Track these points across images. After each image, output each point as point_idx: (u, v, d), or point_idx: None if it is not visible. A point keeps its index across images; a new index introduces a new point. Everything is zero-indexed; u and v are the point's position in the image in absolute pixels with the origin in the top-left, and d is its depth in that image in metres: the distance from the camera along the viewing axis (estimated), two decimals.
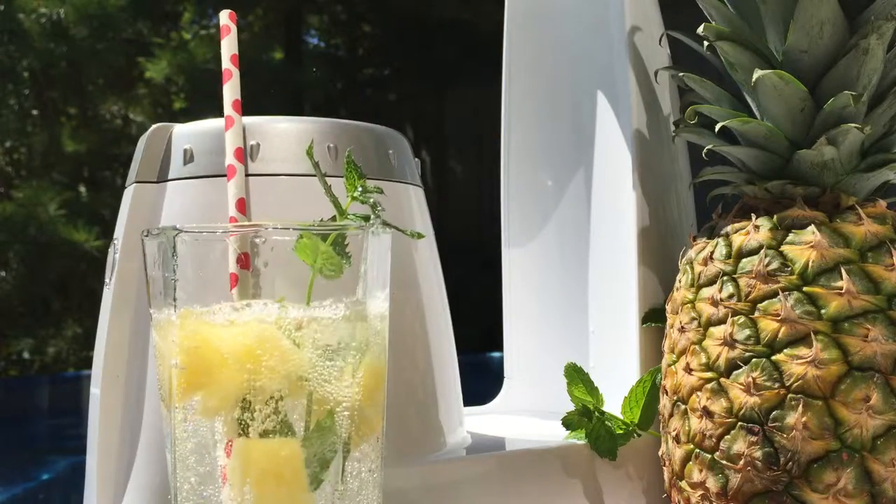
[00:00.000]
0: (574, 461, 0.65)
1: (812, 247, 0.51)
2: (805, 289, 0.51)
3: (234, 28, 0.55)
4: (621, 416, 0.65)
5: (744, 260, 0.53)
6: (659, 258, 0.69)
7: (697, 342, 0.54)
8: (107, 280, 0.61)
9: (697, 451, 0.53)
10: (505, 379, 0.84)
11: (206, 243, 0.44)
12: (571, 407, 0.65)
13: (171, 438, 0.44)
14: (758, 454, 0.50)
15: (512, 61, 0.83)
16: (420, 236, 0.53)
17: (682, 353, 0.55)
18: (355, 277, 0.44)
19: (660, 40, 0.71)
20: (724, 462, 0.51)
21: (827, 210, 0.54)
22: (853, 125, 0.52)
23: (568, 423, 0.64)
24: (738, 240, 0.54)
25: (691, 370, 0.54)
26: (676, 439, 0.55)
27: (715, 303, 0.53)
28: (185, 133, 0.60)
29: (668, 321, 0.58)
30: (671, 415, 0.56)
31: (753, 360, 0.51)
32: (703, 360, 0.53)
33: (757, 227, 0.54)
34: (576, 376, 0.65)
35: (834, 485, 0.49)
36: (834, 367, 0.49)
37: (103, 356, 0.58)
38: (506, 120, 0.84)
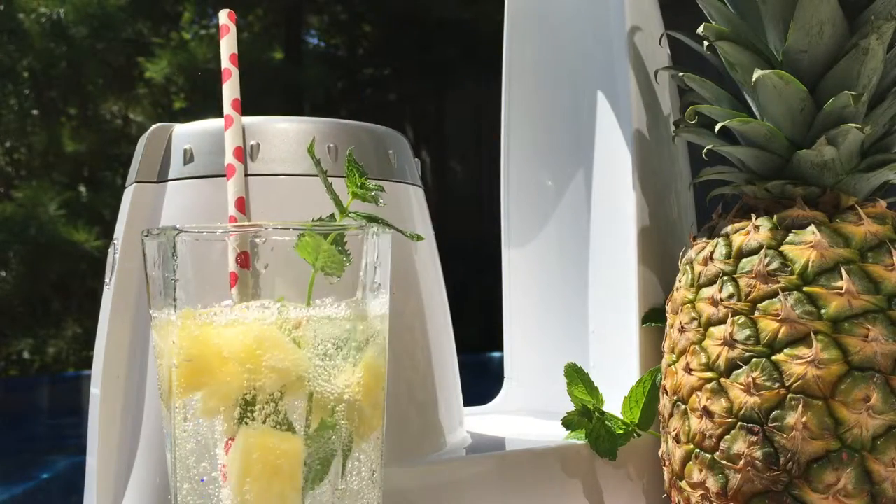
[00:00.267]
0: (574, 461, 0.65)
1: (812, 247, 0.51)
2: (805, 289, 0.51)
3: (233, 27, 0.55)
4: (621, 416, 0.65)
5: (744, 260, 0.53)
6: (659, 258, 0.69)
7: (697, 342, 0.54)
8: (107, 280, 0.61)
9: (697, 451, 0.53)
10: (505, 379, 0.84)
11: (206, 243, 0.44)
12: (571, 407, 0.65)
13: (171, 438, 0.44)
14: (758, 454, 0.50)
15: (512, 61, 0.83)
16: (420, 238, 0.53)
17: (682, 353, 0.55)
18: (355, 277, 0.44)
19: (660, 40, 0.71)
20: (724, 462, 0.51)
21: (827, 210, 0.54)
22: (853, 125, 0.52)
23: (568, 423, 0.64)
24: (738, 240, 0.54)
25: (691, 370, 0.54)
26: (676, 439, 0.55)
27: (715, 303, 0.53)
28: (185, 133, 0.60)
29: (668, 321, 0.58)
30: (671, 415, 0.56)
31: (753, 360, 0.51)
32: (703, 360, 0.53)
33: (757, 227, 0.54)
34: (576, 376, 0.65)
35: (834, 485, 0.49)
36: (834, 367, 0.49)
37: (103, 356, 0.58)
38: (506, 120, 0.84)
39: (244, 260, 0.44)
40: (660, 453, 0.59)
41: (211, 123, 0.59)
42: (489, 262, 0.92)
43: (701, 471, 0.53)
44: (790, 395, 0.49)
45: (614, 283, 0.71)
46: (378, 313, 0.45)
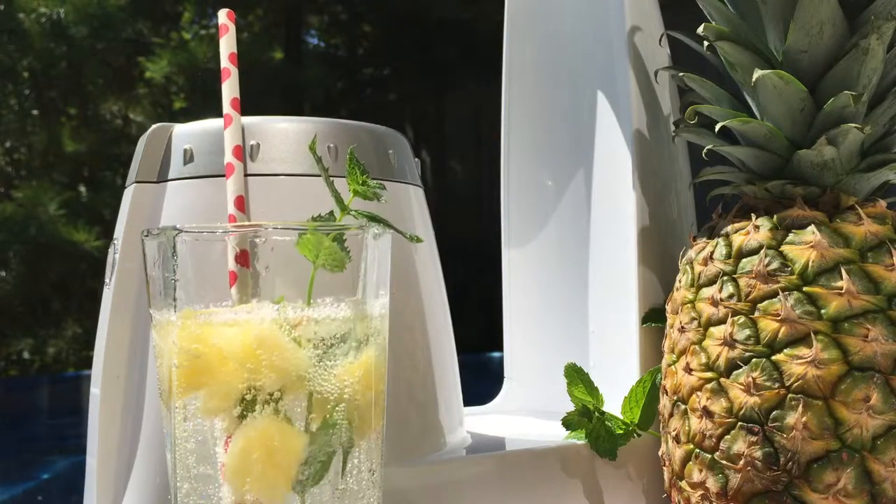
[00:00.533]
0: (574, 461, 0.65)
1: (812, 247, 0.51)
2: (805, 289, 0.51)
3: (232, 27, 0.55)
4: (621, 416, 0.65)
5: (744, 260, 0.53)
6: (659, 258, 0.69)
7: (697, 342, 0.54)
8: (107, 280, 0.61)
9: (697, 451, 0.53)
10: (505, 379, 0.84)
11: (206, 243, 0.44)
12: (571, 407, 0.65)
13: (171, 438, 0.44)
14: (758, 454, 0.50)
15: (512, 61, 0.83)
16: (419, 240, 0.53)
17: (682, 353, 0.55)
18: (355, 277, 0.44)
19: (660, 40, 0.71)
20: (724, 462, 0.51)
21: (827, 210, 0.54)
22: (853, 125, 0.52)
23: (568, 423, 0.64)
24: (738, 240, 0.54)
25: (691, 370, 0.54)
26: (676, 439, 0.55)
27: (715, 303, 0.53)
28: (185, 133, 0.60)
29: (668, 321, 0.58)
30: (671, 415, 0.56)
31: (753, 360, 0.51)
32: (703, 360, 0.53)
33: (757, 227, 0.54)
34: (576, 376, 0.64)
35: (834, 485, 0.49)
36: (834, 367, 0.49)
37: (103, 356, 0.58)
38: (506, 120, 0.84)
39: (243, 258, 0.44)
40: (660, 453, 0.59)
41: (211, 123, 0.59)
42: (489, 262, 0.92)
43: (701, 471, 0.53)
44: (790, 395, 0.49)
45: (614, 283, 0.71)
46: (378, 313, 0.45)
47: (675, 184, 0.73)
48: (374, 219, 0.47)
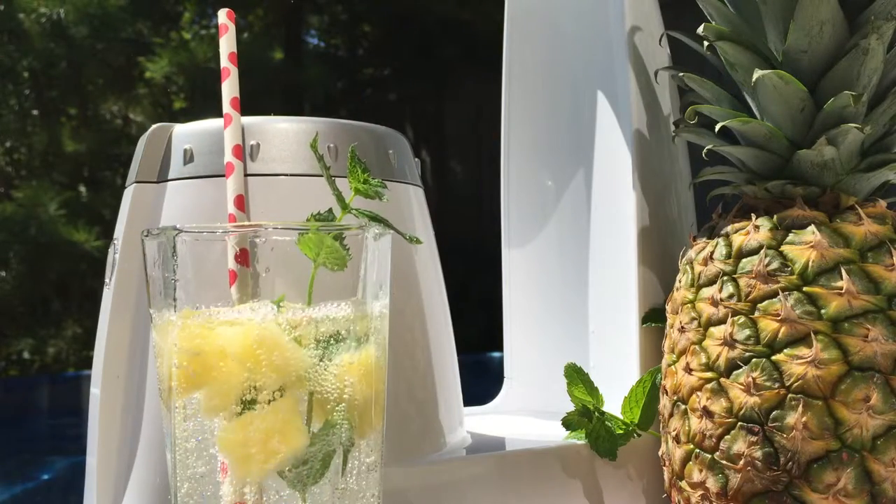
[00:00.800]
0: (574, 461, 0.65)
1: (812, 247, 0.51)
2: (805, 289, 0.51)
3: (232, 26, 0.55)
4: (621, 416, 0.65)
5: (744, 260, 0.53)
6: (659, 258, 0.69)
7: (697, 342, 0.54)
8: (107, 280, 0.61)
9: (697, 451, 0.53)
10: (505, 379, 0.84)
11: (206, 243, 0.44)
12: (571, 407, 0.65)
13: (171, 438, 0.44)
14: (758, 454, 0.50)
15: (512, 61, 0.83)
16: (419, 242, 0.53)
17: (682, 353, 0.55)
18: (355, 277, 0.44)
19: (660, 40, 0.71)
20: (724, 462, 0.51)
21: (827, 210, 0.54)
22: (853, 125, 0.52)
23: (568, 423, 0.64)
24: (738, 240, 0.54)
25: (691, 370, 0.54)
26: (676, 439, 0.55)
27: (715, 303, 0.53)
28: (185, 133, 0.60)
29: (668, 321, 0.58)
30: (671, 415, 0.56)
31: (753, 360, 0.51)
32: (703, 360, 0.53)
33: (757, 227, 0.54)
34: (576, 376, 0.64)
35: (834, 485, 0.49)
36: (834, 367, 0.49)
37: (103, 356, 0.59)
38: (506, 120, 0.84)
39: (243, 257, 0.44)
40: (660, 453, 0.59)
41: (211, 123, 0.59)
42: (489, 262, 0.92)
43: (701, 471, 0.53)
44: (790, 395, 0.49)
45: (614, 283, 0.71)
46: (378, 313, 0.45)
47: (675, 184, 0.73)
48: (374, 218, 0.47)
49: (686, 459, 0.54)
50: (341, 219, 0.47)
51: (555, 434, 0.66)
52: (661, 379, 0.59)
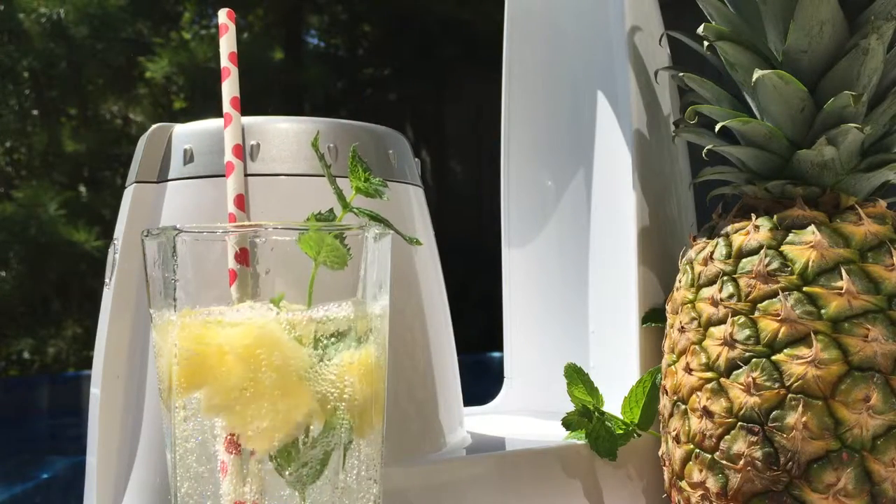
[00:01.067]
0: (574, 461, 0.65)
1: (812, 247, 0.51)
2: (805, 289, 0.51)
3: (232, 26, 0.55)
4: (621, 416, 0.65)
5: (744, 260, 0.53)
6: (659, 258, 0.69)
7: (697, 342, 0.54)
8: (107, 280, 0.61)
9: (697, 451, 0.53)
10: (505, 379, 0.84)
11: (206, 243, 0.44)
12: (571, 407, 0.65)
13: (170, 438, 0.44)
14: (758, 454, 0.50)
15: (512, 61, 0.83)
16: (418, 243, 0.53)
17: (682, 353, 0.55)
18: (356, 277, 0.44)
19: (660, 40, 0.71)
20: (724, 462, 0.51)
21: (827, 210, 0.54)
22: (853, 125, 0.52)
23: (568, 423, 0.64)
24: (738, 240, 0.54)
25: (691, 370, 0.54)
26: (676, 439, 0.55)
27: (715, 303, 0.53)
28: (185, 133, 0.60)
29: (668, 321, 0.58)
30: (671, 415, 0.56)
31: (753, 360, 0.51)
32: (703, 360, 0.53)
33: (757, 227, 0.54)
34: (576, 377, 0.64)
35: (834, 485, 0.48)
36: (834, 367, 0.49)
37: (103, 356, 0.58)
38: (506, 120, 0.84)
39: (243, 257, 0.44)
40: (660, 453, 0.59)
41: (211, 123, 0.59)
42: (489, 262, 0.92)
43: (701, 471, 0.53)
44: (790, 395, 0.49)
45: (614, 283, 0.71)
46: (378, 313, 0.45)
47: (675, 184, 0.73)
48: (374, 217, 0.47)
49: (686, 459, 0.54)
50: (341, 218, 0.47)
51: (555, 434, 0.66)
52: (661, 379, 0.59)
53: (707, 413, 0.52)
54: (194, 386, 0.42)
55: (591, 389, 0.64)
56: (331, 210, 0.47)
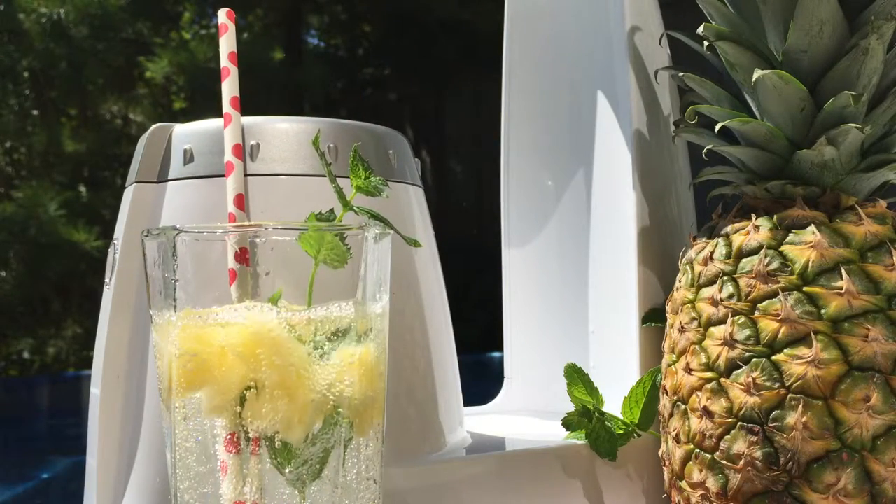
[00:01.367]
0: (574, 461, 0.65)
1: (812, 247, 0.51)
2: (805, 289, 0.51)
3: (231, 26, 0.55)
4: (621, 417, 0.65)
5: (744, 260, 0.53)
6: (659, 258, 0.69)
7: (697, 342, 0.54)
8: (107, 280, 0.61)
9: (697, 451, 0.53)
10: (505, 379, 0.84)
11: (206, 243, 0.44)
12: (571, 407, 0.65)
13: (170, 438, 0.44)
14: (758, 454, 0.50)
15: (512, 61, 0.83)
16: (418, 245, 0.53)
17: (682, 353, 0.55)
18: (356, 276, 0.44)
19: (660, 40, 0.71)
20: (724, 462, 0.51)
21: (827, 210, 0.54)
22: (853, 125, 0.52)
23: (568, 423, 0.64)
24: (738, 240, 0.54)
25: (691, 370, 0.54)
26: (676, 439, 0.55)
27: (715, 303, 0.53)
28: (185, 133, 0.60)
29: (668, 321, 0.58)
30: (671, 415, 0.56)
31: (753, 360, 0.51)
32: (703, 360, 0.53)
33: (757, 227, 0.54)
34: (576, 377, 0.64)
35: (834, 485, 0.48)
36: (834, 367, 0.49)
37: (103, 356, 0.58)
38: (506, 120, 0.84)
39: (243, 256, 0.44)
40: (660, 453, 0.59)
41: (211, 123, 0.59)
42: (489, 262, 0.92)
43: (701, 471, 0.53)
44: (790, 395, 0.49)
45: (614, 283, 0.71)
46: (378, 312, 0.45)
47: (675, 184, 0.73)
48: (375, 216, 0.47)
49: (686, 459, 0.54)
50: (342, 217, 0.47)
51: (555, 434, 0.66)
52: (661, 379, 0.59)
53: (707, 413, 0.52)
54: (194, 386, 0.42)
55: (591, 389, 0.64)
56: (331, 210, 0.47)
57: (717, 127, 0.55)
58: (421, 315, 0.63)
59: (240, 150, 0.54)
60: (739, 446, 0.50)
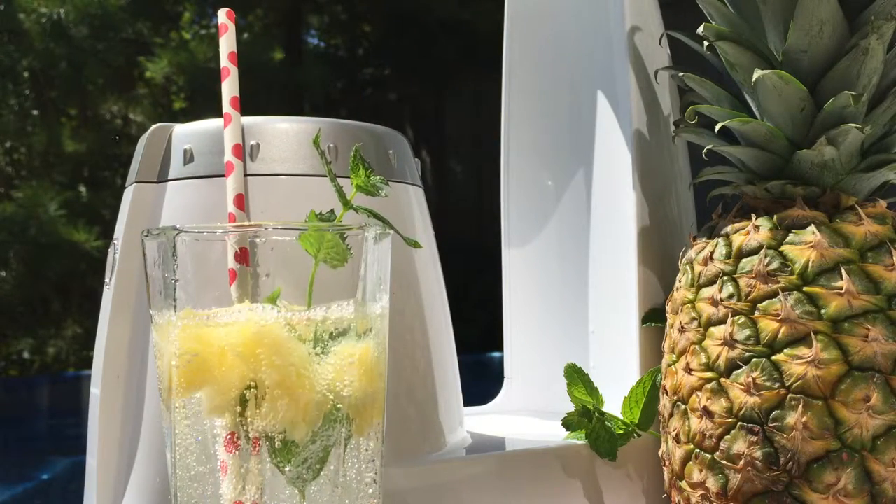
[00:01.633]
0: (574, 461, 0.65)
1: (812, 247, 0.51)
2: (805, 289, 0.51)
3: (231, 26, 0.55)
4: (621, 417, 0.65)
5: (744, 260, 0.53)
6: (659, 258, 0.69)
7: (697, 342, 0.54)
8: (107, 280, 0.61)
9: (697, 451, 0.53)
10: (505, 379, 0.84)
11: (206, 243, 0.44)
12: (571, 407, 0.65)
13: (170, 438, 0.44)
14: (758, 454, 0.50)
15: (512, 61, 0.83)
16: (418, 245, 0.53)
17: (682, 353, 0.55)
18: (356, 276, 0.44)
19: (660, 40, 0.71)
20: (724, 462, 0.51)
21: (827, 210, 0.54)
22: (853, 125, 0.52)
23: (568, 423, 0.64)
24: (738, 240, 0.54)
25: (691, 370, 0.54)
26: (676, 439, 0.55)
27: (715, 303, 0.53)
28: (185, 133, 0.60)
29: (668, 321, 0.58)
30: (671, 415, 0.56)
31: (753, 360, 0.51)
32: (703, 360, 0.53)
33: (757, 227, 0.54)
34: (576, 377, 0.64)
35: (834, 485, 0.49)
36: (834, 367, 0.49)
37: (103, 356, 0.58)
38: (506, 120, 0.84)
39: (243, 256, 0.44)
40: (660, 453, 0.59)
41: (211, 123, 0.59)
42: (489, 262, 0.92)
43: (701, 471, 0.53)
44: (790, 395, 0.49)
45: (614, 283, 0.71)
46: (378, 312, 0.45)
47: (675, 184, 0.73)
48: (375, 216, 0.47)
49: (686, 459, 0.54)
50: (342, 217, 0.47)
51: (555, 434, 0.66)
52: (661, 379, 0.59)
53: (707, 413, 0.52)
54: (194, 386, 0.42)
55: (591, 389, 0.64)
56: (331, 210, 0.47)
57: (717, 127, 0.55)
58: (421, 315, 0.63)
59: (240, 150, 0.54)
60: (739, 446, 0.50)
